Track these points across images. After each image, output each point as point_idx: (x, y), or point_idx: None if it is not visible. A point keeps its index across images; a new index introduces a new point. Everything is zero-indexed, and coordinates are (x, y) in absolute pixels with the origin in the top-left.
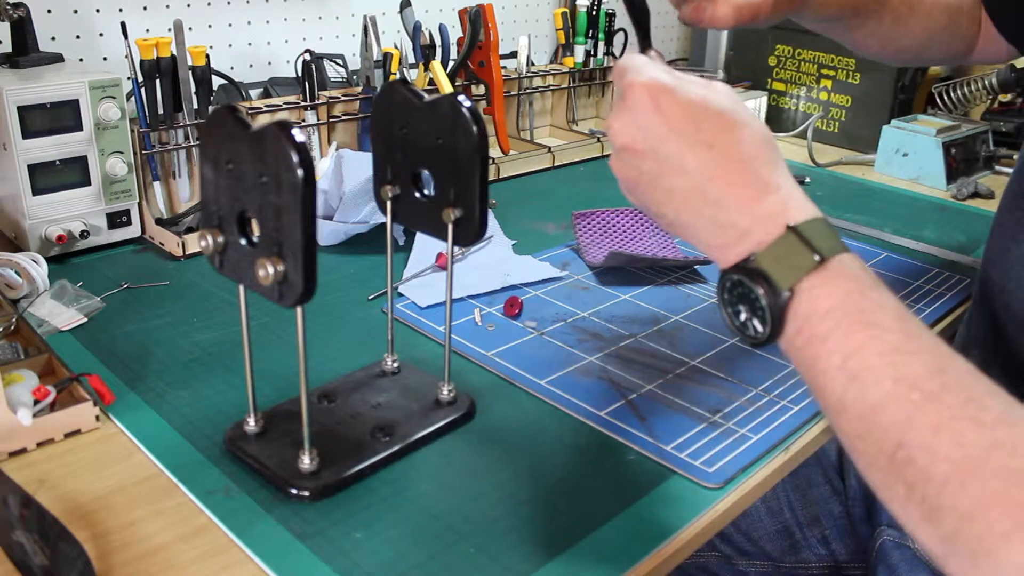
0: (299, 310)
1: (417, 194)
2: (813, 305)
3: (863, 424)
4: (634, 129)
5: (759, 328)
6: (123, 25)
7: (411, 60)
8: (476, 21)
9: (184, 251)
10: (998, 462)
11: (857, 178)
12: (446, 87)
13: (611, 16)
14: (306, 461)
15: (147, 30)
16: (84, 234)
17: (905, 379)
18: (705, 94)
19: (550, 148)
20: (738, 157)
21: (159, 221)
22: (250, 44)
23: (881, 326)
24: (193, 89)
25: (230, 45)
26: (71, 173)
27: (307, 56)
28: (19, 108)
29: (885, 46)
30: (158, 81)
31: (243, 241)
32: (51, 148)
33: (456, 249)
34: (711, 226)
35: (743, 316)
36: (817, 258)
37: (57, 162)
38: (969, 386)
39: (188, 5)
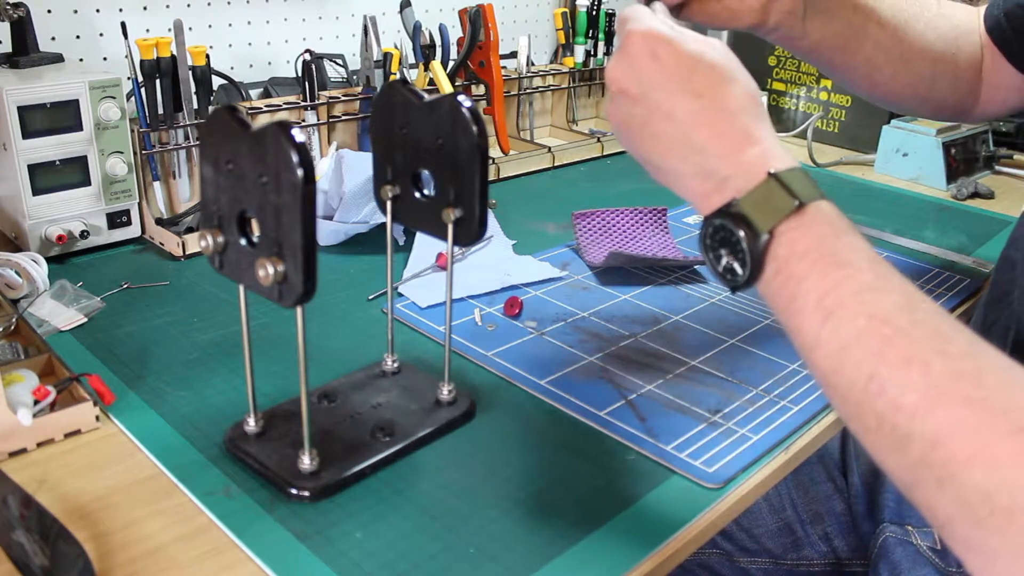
0: (299, 310)
1: (417, 194)
2: (791, 247)
3: (838, 359)
4: (630, 74)
5: (739, 270)
6: (123, 25)
7: (411, 60)
8: (476, 21)
9: (184, 251)
10: (962, 391)
11: (857, 178)
12: (446, 87)
13: (611, 16)
14: (306, 461)
15: (147, 30)
16: (84, 234)
17: (877, 315)
18: (701, 48)
19: (550, 148)
20: (725, 108)
21: (159, 221)
22: (250, 44)
23: (855, 266)
24: (193, 89)
25: (230, 45)
26: (71, 173)
27: (307, 56)
28: (19, 108)
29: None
30: (158, 81)
31: (243, 241)
32: (51, 148)
33: (456, 249)
34: (695, 173)
35: (724, 260)
36: (796, 203)
37: (57, 162)
38: (936, 323)
39: (188, 5)
